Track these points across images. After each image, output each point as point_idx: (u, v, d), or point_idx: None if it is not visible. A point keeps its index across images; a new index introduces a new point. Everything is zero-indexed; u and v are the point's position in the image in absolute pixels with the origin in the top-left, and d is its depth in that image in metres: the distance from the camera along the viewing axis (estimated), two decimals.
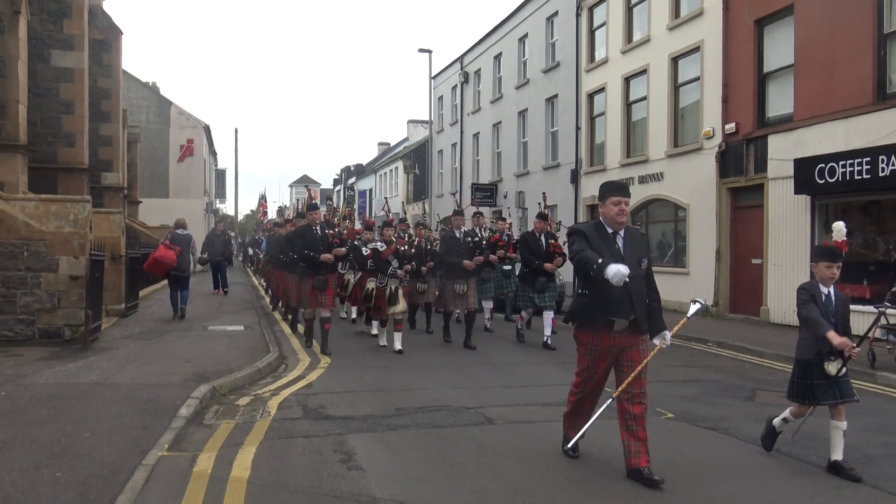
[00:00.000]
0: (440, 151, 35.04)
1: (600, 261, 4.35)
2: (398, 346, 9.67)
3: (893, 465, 5.12)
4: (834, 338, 4.70)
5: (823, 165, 11.97)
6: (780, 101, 13.73)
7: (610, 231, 4.70)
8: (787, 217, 13.17)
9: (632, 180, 17.74)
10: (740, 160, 14.56)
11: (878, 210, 12.05)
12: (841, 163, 11.65)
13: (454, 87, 32.63)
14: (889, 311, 9.09)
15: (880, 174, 10.95)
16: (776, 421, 5.26)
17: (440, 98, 35.09)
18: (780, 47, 13.75)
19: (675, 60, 16.77)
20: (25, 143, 12.56)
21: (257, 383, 7.59)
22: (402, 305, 9.74)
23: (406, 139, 50.73)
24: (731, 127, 14.71)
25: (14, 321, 9.04)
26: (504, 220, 13.56)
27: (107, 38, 20.09)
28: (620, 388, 4.56)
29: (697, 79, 15.95)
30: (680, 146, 16.56)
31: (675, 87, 16.85)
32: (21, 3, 12.20)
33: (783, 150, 13.23)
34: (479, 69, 29.65)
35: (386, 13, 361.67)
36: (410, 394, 7.09)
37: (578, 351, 4.81)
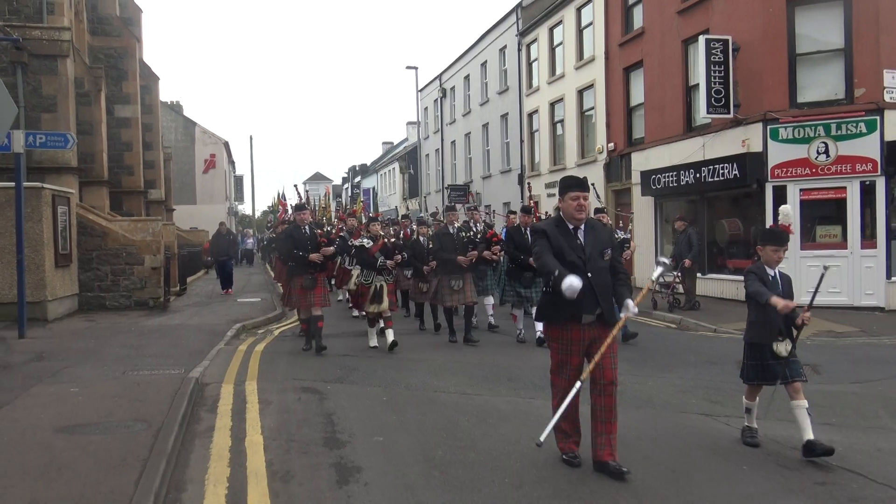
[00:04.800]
0: (427, 155, 40.45)
1: (557, 272, 4.41)
2: (391, 338, 9.63)
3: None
4: (777, 301, 4.78)
5: (655, 176, 17.31)
6: (639, 128, 19.06)
7: (571, 226, 4.69)
8: (642, 212, 18.51)
9: (556, 183, 23.06)
10: (617, 170, 19.91)
11: (690, 206, 17.34)
12: (664, 174, 16.98)
13: (436, 101, 37.97)
14: (666, 273, 14.50)
15: (682, 183, 16.29)
16: (746, 423, 5.47)
17: (426, 108, 40.46)
18: (638, 89, 19.04)
19: (580, 93, 22.08)
20: (107, 179, 18.21)
21: (268, 325, 13.11)
22: (385, 303, 9.72)
23: (406, 139, 55.97)
24: (611, 146, 20.06)
25: (119, 296, 14.61)
26: (514, 213, 13.39)
27: (148, 83, 25.66)
28: (586, 372, 4.63)
29: (593, 108, 21.27)
30: (584, 158, 21.90)
31: (581, 113, 22.18)
32: (102, 82, 17.81)
33: (638, 164, 18.57)
34: (454, 86, 34.99)
35: (392, 26, 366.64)
36: (358, 327, 12.56)
37: (551, 347, 4.83)
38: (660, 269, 5.29)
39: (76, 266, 14.10)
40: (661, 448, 5.28)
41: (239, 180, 51.48)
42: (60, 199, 13.22)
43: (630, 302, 4.60)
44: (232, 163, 47.57)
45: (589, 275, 4.52)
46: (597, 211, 10.36)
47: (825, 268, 5.50)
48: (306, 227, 9.85)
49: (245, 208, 61.08)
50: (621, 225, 17.21)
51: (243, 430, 5.82)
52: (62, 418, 5.89)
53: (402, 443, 5.46)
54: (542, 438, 4.54)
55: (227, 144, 38.81)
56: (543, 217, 14.88)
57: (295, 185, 19.75)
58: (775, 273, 5.15)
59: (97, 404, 6.43)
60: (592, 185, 20.03)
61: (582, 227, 4.69)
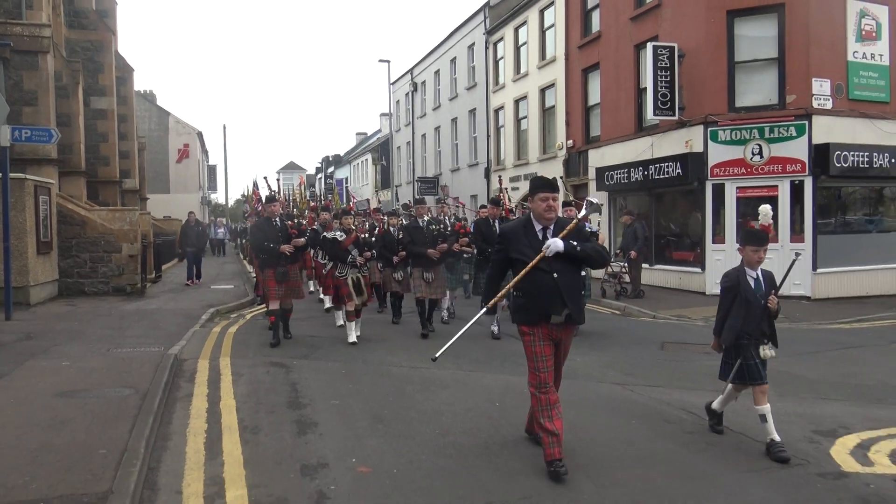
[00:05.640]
0: (398, 147, 41.26)
1: (484, 304, 4.93)
2: (358, 331, 9.90)
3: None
4: (714, 348, 5.39)
5: (608, 173, 18.41)
6: (595, 126, 20.13)
7: (539, 227, 4.71)
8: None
9: (520, 177, 24.13)
10: (576, 166, 20.98)
11: (639, 201, 18.45)
12: (617, 171, 18.08)
13: (407, 94, 38.77)
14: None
15: (632, 180, 17.40)
16: (715, 405, 5.57)
17: (398, 102, 41.23)
18: (595, 90, 20.10)
19: (542, 91, 23.10)
20: (84, 169, 18.84)
21: (240, 310, 13.96)
22: (365, 295, 9.81)
23: (379, 130, 56.66)
24: (570, 143, 21.12)
25: (97, 282, 15.33)
26: (485, 207, 13.03)
27: (123, 75, 26.14)
28: (496, 298, 4.81)
29: (553, 106, 22.31)
30: (545, 154, 22.95)
31: (543, 111, 23.21)
32: (80, 76, 18.41)
33: (595, 161, 19.65)
34: (425, 81, 35.81)
35: (366, 17, 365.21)
36: (318, 310, 13.47)
37: (524, 342, 4.77)
38: (584, 211, 5.11)
39: (56, 253, 14.79)
40: (571, 408, 6.27)
41: (212, 169, 51.90)
42: (42, 190, 13.90)
43: (555, 240, 4.57)
44: (205, 152, 48.07)
45: (555, 275, 4.55)
46: (565, 204, 10.65)
47: (797, 255, 5.54)
48: (277, 219, 9.87)
49: (218, 197, 61.50)
50: (589, 219, 18.31)
51: (218, 396, 6.74)
52: (59, 386, 6.76)
53: (354, 405, 6.42)
54: (437, 355, 4.89)
55: (200, 134, 39.33)
56: (514, 208, 15.88)
57: (265, 178, 19.83)
58: (757, 274, 5.15)
59: (88, 375, 7.30)
60: (561, 178, 21.17)
61: (551, 227, 4.70)
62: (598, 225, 17.33)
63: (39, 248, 13.69)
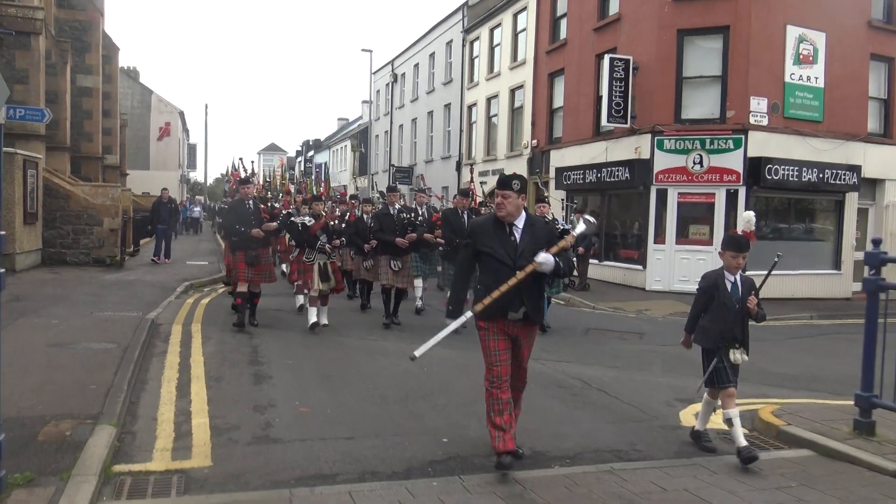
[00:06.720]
0: (377, 136, 42.26)
1: (450, 307, 4.86)
2: (325, 320, 9.87)
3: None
4: (685, 344, 5.48)
5: (566, 173, 19.67)
6: (558, 129, 21.37)
7: (507, 223, 4.73)
8: (557, 203, 20.86)
9: (488, 172, 25.33)
10: (539, 164, 22.23)
11: (593, 202, 19.77)
12: (573, 172, 19.34)
13: (387, 84, 39.74)
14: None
15: (587, 181, 18.67)
16: (698, 427, 5.50)
17: (378, 91, 42.20)
18: (559, 94, 21.32)
19: (512, 91, 24.28)
20: (69, 145, 19.70)
21: (213, 283, 15.03)
22: (332, 282, 9.81)
23: (360, 117, 57.47)
24: (535, 142, 22.34)
25: (79, 253, 16.28)
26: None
27: (108, 53, 26.84)
28: (480, 306, 4.66)
29: (522, 106, 23.51)
30: (512, 151, 24.17)
31: (513, 110, 24.40)
32: (68, 55, 19.24)
33: (556, 161, 20.89)
34: (404, 73, 36.83)
35: (353, 4, 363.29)
36: (287, 288, 14.56)
37: (479, 335, 4.86)
38: (583, 226, 5.13)
39: (41, 224, 15.72)
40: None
41: (192, 148, 52.53)
42: (30, 164, 14.82)
43: (542, 253, 4.57)
44: (186, 131, 48.79)
45: (517, 273, 4.59)
46: (538, 200, 10.74)
47: (778, 255, 5.45)
48: (250, 202, 9.73)
49: (197, 175, 62.02)
50: (563, 215, 19.52)
51: (189, 353, 7.88)
52: (50, 339, 7.86)
53: (306, 366, 7.60)
54: (416, 354, 4.70)
55: (182, 114, 40.09)
56: (484, 200, 17.15)
57: (241, 159, 20.61)
58: (735, 279, 5.15)
59: (75, 332, 8.40)
60: (537, 172, 22.22)
61: (521, 224, 4.71)
62: (572, 222, 18.60)
63: (26, 218, 14.63)
